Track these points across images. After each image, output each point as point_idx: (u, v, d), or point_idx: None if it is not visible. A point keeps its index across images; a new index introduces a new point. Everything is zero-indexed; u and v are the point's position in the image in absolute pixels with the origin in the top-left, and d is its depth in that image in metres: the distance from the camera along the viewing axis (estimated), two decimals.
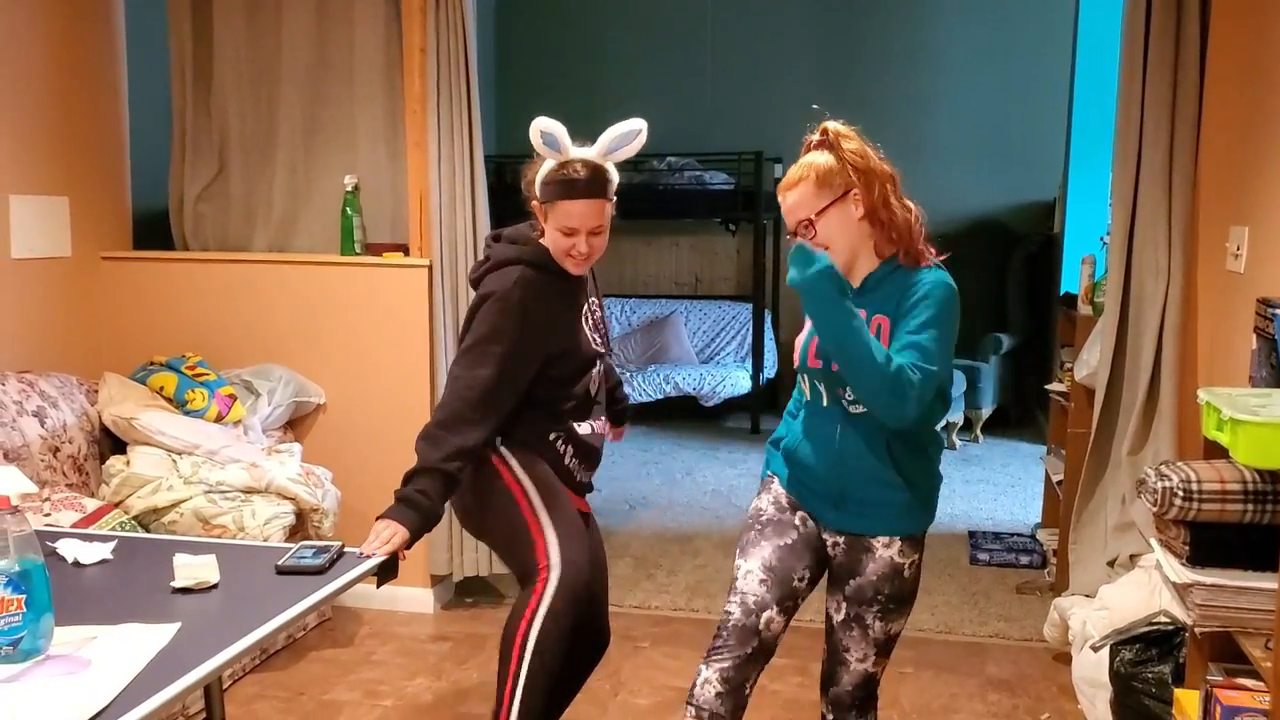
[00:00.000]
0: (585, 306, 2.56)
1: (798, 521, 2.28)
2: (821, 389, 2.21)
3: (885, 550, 2.22)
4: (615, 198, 2.45)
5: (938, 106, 7.78)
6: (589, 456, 2.63)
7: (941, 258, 2.20)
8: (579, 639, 2.55)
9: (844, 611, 2.28)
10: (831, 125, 2.19)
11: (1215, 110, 3.26)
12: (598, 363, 2.60)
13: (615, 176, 2.44)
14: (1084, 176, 6.32)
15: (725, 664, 2.14)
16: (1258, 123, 2.93)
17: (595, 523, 2.77)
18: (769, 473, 2.39)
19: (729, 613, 2.20)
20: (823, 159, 2.16)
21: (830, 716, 2.36)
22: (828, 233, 2.14)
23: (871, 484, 2.18)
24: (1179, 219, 3.36)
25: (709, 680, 2.14)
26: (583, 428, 2.58)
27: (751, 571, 2.22)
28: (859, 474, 2.18)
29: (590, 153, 2.37)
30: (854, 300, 2.15)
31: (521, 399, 2.47)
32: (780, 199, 2.21)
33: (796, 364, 2.25)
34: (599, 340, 2.60)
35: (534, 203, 2.45)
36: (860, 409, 2.15)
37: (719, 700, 2.12)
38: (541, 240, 2.48)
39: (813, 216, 2.14)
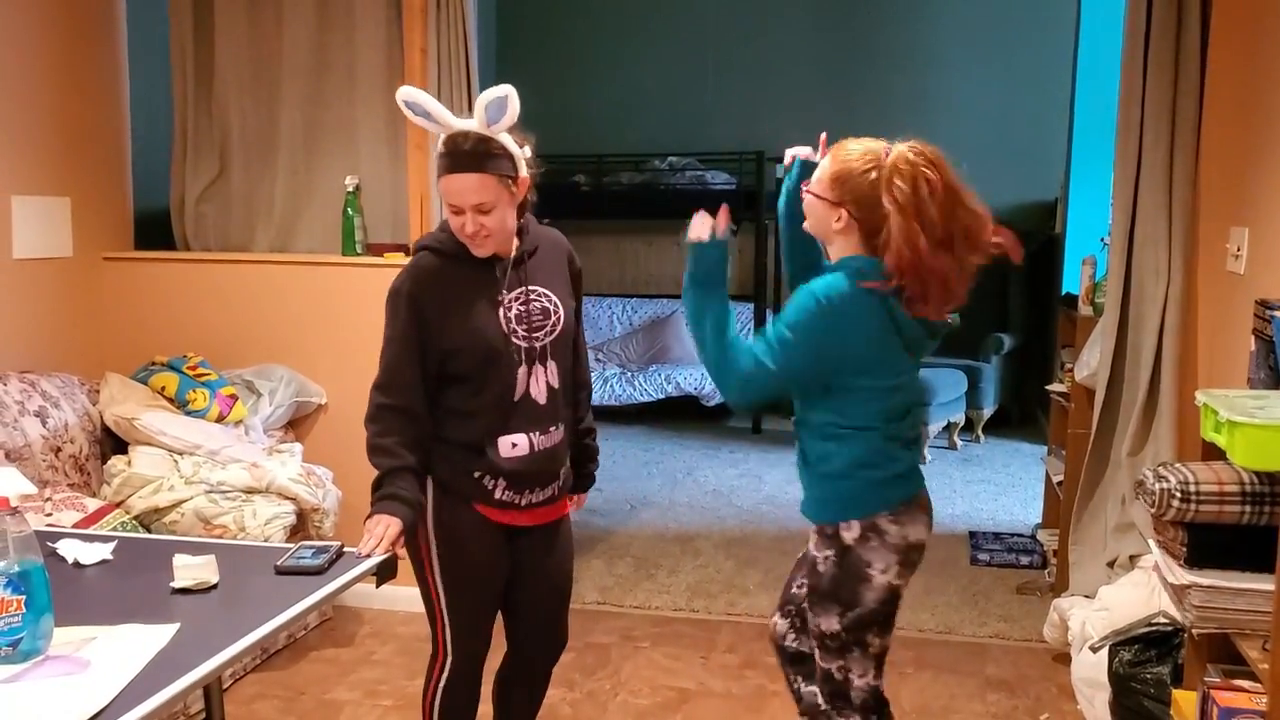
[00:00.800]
0: (505, 296, 2.32)
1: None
2: None
3: (812, 538, 2.28)
4: (514, 175, 2.27)
5: (939, 106, 7.77)
6: (527, 480, 2.36)
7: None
8: (532, 645, 2.58)
9: None
10: (905, 152, 2.09)
11: (1215, 111, 3.26)
12: (524, 364, 2.31)
13: (514, 151, 2.26)
14: (1085, 177, 6.32)
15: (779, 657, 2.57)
16: (1258, 124, 2.93)
17: (564, 530, 2.53)
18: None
19: None
20: (863, 165, 2.14)
21: None
22: (807, 208, 2.25)
23: (800, 468, 2.30)
24: (1179, 220, 3.36)
25: None
26: (510, 446, 2.31)
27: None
28: (799, 458, 2.31)
29: (472, 124, 2.21)
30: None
31: (438, 406, 2.33)
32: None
33: None
34: (525, 334, 2.32)
35: None
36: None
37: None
38: None
39: (805, 188, 2.24)
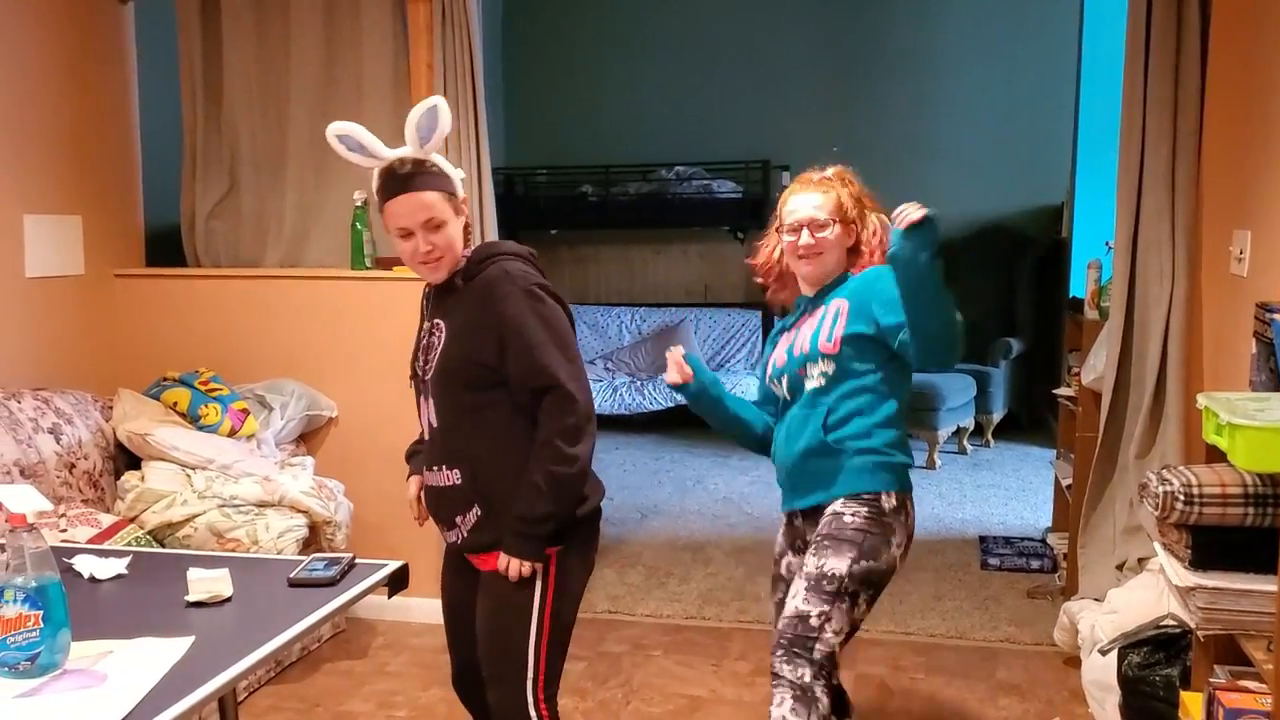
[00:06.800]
0: (426, 323, 2.32)
1: (783, 570, 2.56)
2: (784, 383, 2.48)
3: (830, 508, 2.39)
4: (454, 192, 2.23)
5: (946, 112, 7.79)
6: (430, 506, 2.36)
7: None
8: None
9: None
10: (840, 169, 2.48)
11: (1216, 114, 3.27)
12: (420, 393, 2.31)
13: (450, 171, 2.23)
14: (1091, 181, 6.33)
15: None
16: (1258, 126, 2.94)
17: (495, 587, 2.26)
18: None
19: None
20: (844, 189, 2.44)
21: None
22: (834, 242, 2.43)
23: (812, 458, 2.39)
24: (1182, 223, 3.37)
25: None
26: (424, 469, 2.35)
27: (771, 629, 2.54)
28: (803, 451, 2.40)
29: (406, 150, 2.19)
30: (810, 305, 2.48)
31: None
32: (799, 196, 2.44)
33: (769, 375, 2.54)
34: (421, 365, 2.30)
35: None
36: (814, 383, 2.39)
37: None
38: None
39: (834, 220, 2.40)
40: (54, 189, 3.89)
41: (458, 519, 2.27)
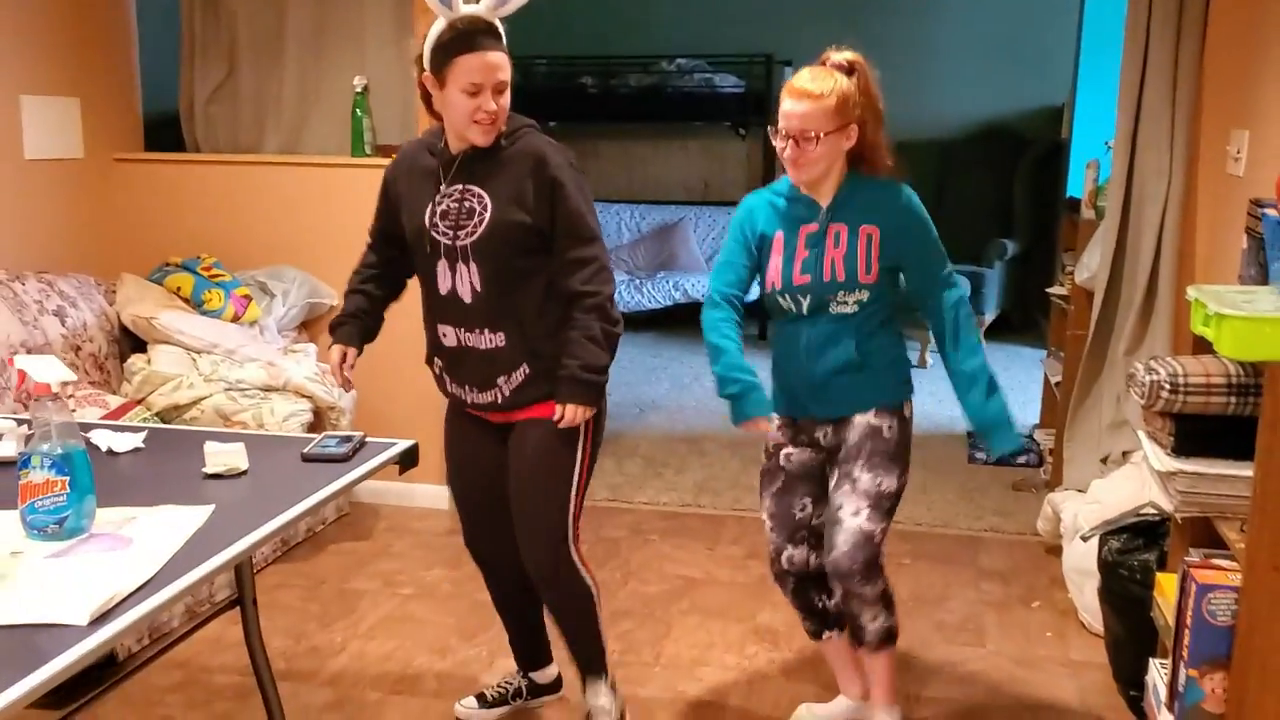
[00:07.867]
0: (443, 189, 2.34)
1: (782, 461, 2.56)
2: (804, 301, 2.43)
3: (861, 418, 2.45)
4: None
5: (947, 8, 7.68)
6: (461, 374, 2.42)
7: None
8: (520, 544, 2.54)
9: (836, 475, 2.48)
10: (858, 58, 2.36)
11: (1221, 14, 3.26)
12: (443, 258, 2.33)
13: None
14: (1094, 81, 6.27)
15: (787, 590, 2.63)
16: (1262, 28, 2.93)
17: (534, 433, 2.40)
18: (753, 417, 2.41)
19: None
20: (846, 84, 2.32)
21: (839, 591, 2.48)
22: (822, 153, 2.32)
23: (842, 373, 2.42)
24: (1182, 122, 3.39)
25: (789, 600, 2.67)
26: (442, 335, 2.41)
27: (765, 521, 2.61)
28: (829, 365, 2.43)
29: (480, 9, 2.21)
30: (829, 217, 2.40)
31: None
32: (791, 101, 2.32)
33: (780, 287, 2.44)
34: (446, 230, 2.32)
35: (425, 77, 2.27)
36: (848, 309, 2.40)
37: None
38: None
39: (822, 134, 2.30)
40: (50, 69, 3.86)
41: (500, 380, 2.37)
